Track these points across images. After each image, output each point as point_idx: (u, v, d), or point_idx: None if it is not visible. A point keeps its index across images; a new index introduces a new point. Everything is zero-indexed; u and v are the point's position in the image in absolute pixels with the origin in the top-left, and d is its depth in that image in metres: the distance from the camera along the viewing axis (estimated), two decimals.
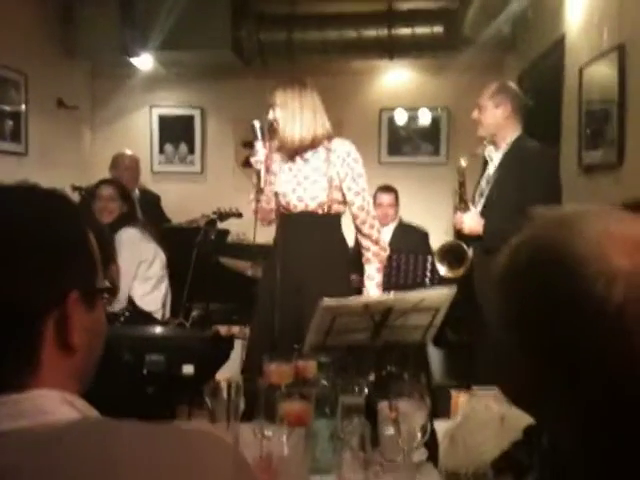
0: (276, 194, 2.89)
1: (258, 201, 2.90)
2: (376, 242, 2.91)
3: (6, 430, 0.70)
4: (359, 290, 4.22)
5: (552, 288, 0.67)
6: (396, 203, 4.66)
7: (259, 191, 2.83)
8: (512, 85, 3.22)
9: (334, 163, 2.84)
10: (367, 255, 2.93)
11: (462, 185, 3.11)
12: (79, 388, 0.80)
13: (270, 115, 2.90)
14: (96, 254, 0.83)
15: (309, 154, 2.89)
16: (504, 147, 3.06)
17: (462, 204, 3.07)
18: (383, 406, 1.48)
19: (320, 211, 2.84)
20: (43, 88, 5.17)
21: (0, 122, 4.78)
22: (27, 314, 0.75)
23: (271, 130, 2.87)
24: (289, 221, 2.88)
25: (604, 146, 3.06)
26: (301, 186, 2.87)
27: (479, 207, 3.09)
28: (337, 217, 2.92)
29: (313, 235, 2.86)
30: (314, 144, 2.85)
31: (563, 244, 0.68)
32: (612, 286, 0.64)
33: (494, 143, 3.09)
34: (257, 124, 2.86)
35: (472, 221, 3.03)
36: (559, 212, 0.75)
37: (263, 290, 2.96)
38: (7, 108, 4.83)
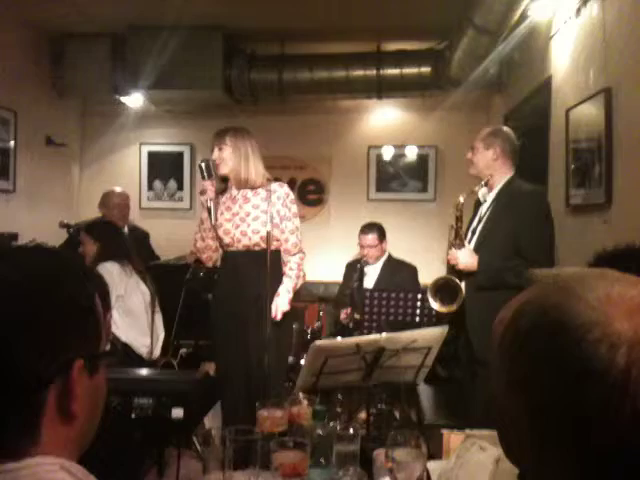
0: (216, 231, 3.09)
1: (203, 239, 3.15)
2: (297, 276, 3.18)
3: None
4: (346, 326, 4.24)
5: (556, 353, 0.68)
6: (379, 242, 4.64)
7: (212, 227, 3.06)
8: (505, 129, 3.32)
9: (274, 203, 3.11)
10: (289, 274, 3.17)
11: (459, 220, 3.18)
12: (78, 453, 0.78)
13: (215, 155, 3.13)
14: (102, 317, 0.82)
15: (249, 194, 3.15)
16: (496, 188, 3.16)
17: (457, 240, 3.13)
18: (379, 454, 1.46)
19: (262, 245, 3.06)
20: (32, 125, 5.18)
21: None
22: (31, 384, 0.74)
23: (216, 171, 3.10)
24: (232, 258, 3.11)
25: (592, 186, 3.09)
26: (244, 222, 3.10)
27: (471, 245, 3.14)
28: (277, 253, 3.15)
29: (257, 269, 3.04)
30: (259, 185, 3.14)
31: (565, 309, 0.69)
32: (615, 350, 0.65)
33: (487, 184, 3.18)
34: (205, 164, 3.08)
35: (467, 257, 3.09)
36: (559, 275, 0.79)
37: (217, 328, 3.14)
38: None
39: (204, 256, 3.20)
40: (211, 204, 3.03)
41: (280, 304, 3.06)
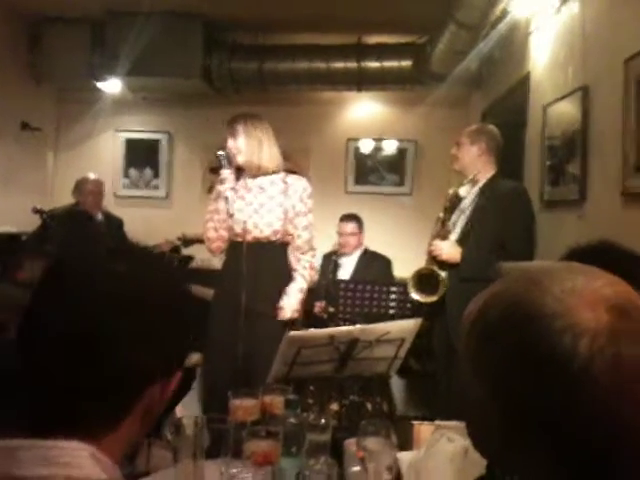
0: (229, 221, 2.99)
1: (216, 229, 3.04)
2: (310, 276, 3.15)
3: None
4: (321, 318, 4.24)
5: (522, 342, 0.70)
6: (359, 231, 4.68)
7: (228, 217, 2.95)
8: (491, 127, 3.41)
9: (290, 196, 3.02)
10: (302, 273, 3.10)
11: (447, 211, 3.24)
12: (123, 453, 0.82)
13: (230, 144, 3.01)
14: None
15: (266, 183, 3.04)
16: (479, 184, 3.23)
17: (442, 230, 3.18)
18: (350, 444, 1.47)
19: (273, 238, 2.99)
20: (7, 110, 5.09)
21: None
22: (144, 380, 0.79)
23: (231, 159, 3.01)
24: (241, 248, 2.97)
25: (567, 183, 3.13)
26: (258, 213, 3.00)
27: (453, 237, 3.20)
28: (285, 246, 3.07)
29: (264, 263, 2.97)
30: (274, 172, 3.04)
31: (532, 301, 0.71)
32: (578, 340, 0.67)
33: (472, 181, 3.26)
34: (224, 153, 2.99)
35: (451, 249, 3.14)
36: (527, 269, 0.79)
37: (215, 318, 3.02)
38: None
39: (214, 245, 3.09)
40: (230, 194, 2.94)
41: (291, 304, 2.98)
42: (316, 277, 3.21)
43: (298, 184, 3.06)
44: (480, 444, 0.81)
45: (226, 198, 2.94)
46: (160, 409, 0.82)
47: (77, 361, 0.75)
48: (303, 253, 3.08)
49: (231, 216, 2.95)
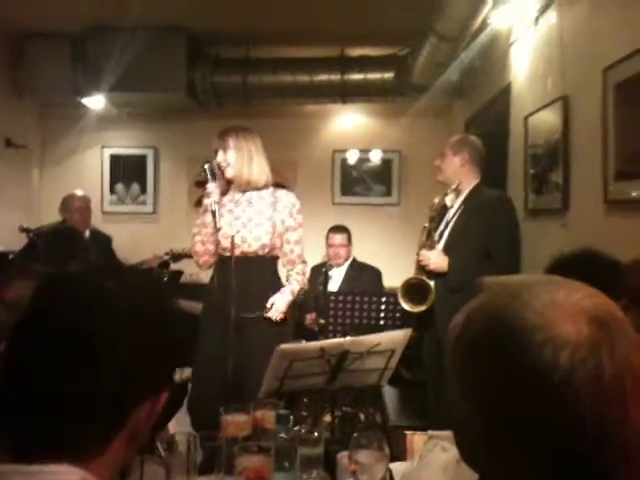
0: (217, 235, 2.98)
1: (203, 243, 3.04)
2: (303, 282, 3.18)
3: None
4: (311, 330, 4.25)
5: (504, 357, 0.72)
6: (348, 243, 4.71)
7: (215, 231, 2.94)
8: (473, 138, 3.45)
9: (279, 211, 3.02)
10: (296, 278, 3.12)
11: (432, 221, 3.27)
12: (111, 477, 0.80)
13: (220, 158, 2.99)
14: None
15: (254, 197, 3.04)
16: (463, 194, 3.28)
17: (429, 240, 3.21)
18: (342, 457, 1.48)
19: (261, 252, 2.98)
20: None
21: None
22: (131, 400, 0.78)
23: (220, 172, 3.01)
24: (229, 263, 2.94)
25: (549, 191, 3.17)
26: (246, 228, 2.99)
27: (440, 247, 3.24)
28: (275, 260, 3.08)
29: (252, 276, 2.95)
30: (263, 186, 3.03)
31: (513, 314, 0.73)
32: (559, 352, 0.68)
33: (456, 191, 3.29)
34: (208, 166, 2.98)
35: (438, 258, 3.17)
36: (509, 282, 0.81)
37: (204, 332, 3.02)
38: None
39: (201, 260, 3.08)
40: (216, 207, 2.91)
41: (279, 303, 2.96)
42: (307, 286, 3.23)
43: (287, 199, 3.07)
44: (467, 456, 0.82)
45: (213, 212, 2.91)
46: (148, 430, 0.81)
47: (64, 380, 0.74)
48: (293, 266, 3.10)
49: (218, 230, 2.93)
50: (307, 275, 3.22)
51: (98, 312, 0.77)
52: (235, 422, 1.69)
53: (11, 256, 4.30)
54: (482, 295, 0.81)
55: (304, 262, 3.15)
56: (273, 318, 2.96)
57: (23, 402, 0.74)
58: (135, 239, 5.59)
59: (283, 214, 3.03)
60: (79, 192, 4.94)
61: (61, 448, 0.73)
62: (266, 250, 3.00)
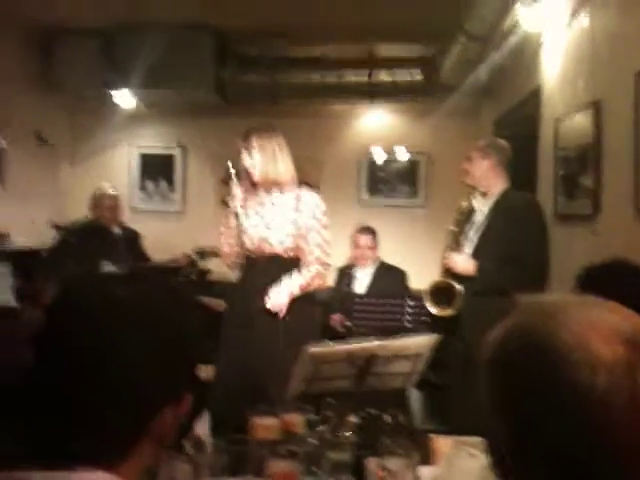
0: (242, 236, 2.96)
1: (230, 245, 3.03)
2: (311, 278, 3.00)
3: None
4: (336, 331, 4.25)
5: (540, 377, 0.72)
6: (374, 244, 4.67)
7: (240, 232, 2.92)
8: (501, 141, 3.42)
9: (302, 212, 2.98)
10: (302, 272, 2.98)
11: (459, 224, 3.24)
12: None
13: (244, 158, 3.01)
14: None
15: (278, 199, 3.02)
16: (492, 197, 3.25)
17: (455, 244, 3.19)
18: (371, 463, 1.48)
19: (285, 255, 2.96)
20: (22, 123, 5.15)
21: None
22: (151, 406, 0.78)
23: (245, 173, 2.99)
24: (253, 263, 2.96)
25: (580, 197, 3.14)
26: (270, 230, 2.97)
27: (467, 250, 3.22)
28: (298, 262, 3.03)
29: (276, 278, 2.93)
30: (288, 186, 3.00)
31: (548, 335, 0.73)
32: (595, 374, 0.69)
33: (484, 194, 3.27)
34: (231, 166, 2.97)
35: (465, 262, 3.16)
36: (543, 302, 0.82)
37: (225, 332, 3.01)
38: None
39: (229, 260, 3.10)
40: (240, 210, 2.91)
41: (275, 296, 2.91)
42: (320, 281, 3.08)
43: (310, 200, 3.02)
44: (499, 469, 0.83)
45: (236, 214, 2.92)
46: (173, 431, 0.82)
47: (80, 390, 0.75)
48: (310, 268, 3.00)
49: (243, 232, 2.94)
50: (324, 278, 3.10)
51: (108, 322, 0.78)
52: (264, 425, 1.70)
53: (43, 253, 4.37)
54: (517, 313, 0.81)
55: (323, 264, 3.04)
56: (268, 306, 2.91)
57: (45, 411, 0.76)
58: (163, 236, 5.63)
59: (305, 215, 2.99)
60: (109, 190, 4.98)
61: (91, 455, 0.74)
62: (290, 252, 2.99)
